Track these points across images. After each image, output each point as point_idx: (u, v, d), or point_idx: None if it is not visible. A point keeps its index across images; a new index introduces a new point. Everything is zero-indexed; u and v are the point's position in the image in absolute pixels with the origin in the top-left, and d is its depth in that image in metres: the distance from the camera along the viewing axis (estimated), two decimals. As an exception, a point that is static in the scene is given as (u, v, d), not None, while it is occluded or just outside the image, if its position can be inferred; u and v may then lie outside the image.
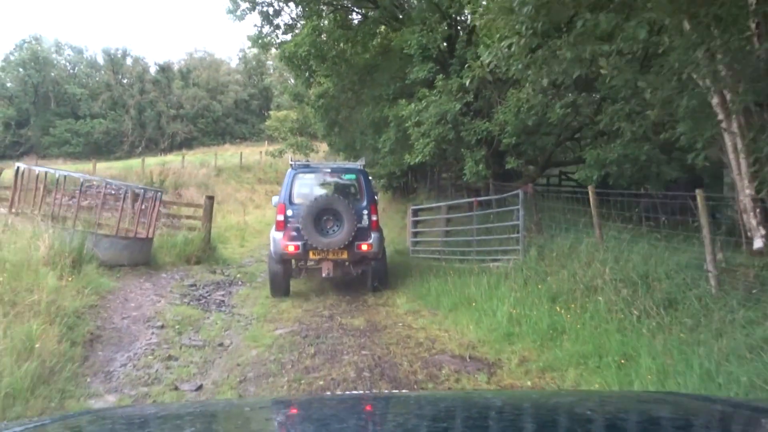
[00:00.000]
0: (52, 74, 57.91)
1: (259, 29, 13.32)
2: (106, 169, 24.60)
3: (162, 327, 7.17)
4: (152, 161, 30.45)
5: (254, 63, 61.35)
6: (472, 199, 11.33)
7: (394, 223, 18.94)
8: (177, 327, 7.23)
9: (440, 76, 9.76)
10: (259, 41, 13.14)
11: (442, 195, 18.65)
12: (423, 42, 9.85)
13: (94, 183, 13.64)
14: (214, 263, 12.68)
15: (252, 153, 36.38)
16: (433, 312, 8.02)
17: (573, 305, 7.02)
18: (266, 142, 46.86)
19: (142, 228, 11.61)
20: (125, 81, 58.80)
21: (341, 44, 11.98)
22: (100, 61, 61.29)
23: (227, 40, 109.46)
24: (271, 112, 53.55)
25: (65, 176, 12.38)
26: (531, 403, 1.75)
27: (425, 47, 9.98)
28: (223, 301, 9.02)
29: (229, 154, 35.52)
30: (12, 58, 57.20)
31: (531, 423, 1.46)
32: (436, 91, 9.58)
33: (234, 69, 61.58)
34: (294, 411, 1.72)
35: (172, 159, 32.44)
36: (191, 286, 10.02)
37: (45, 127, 56.27)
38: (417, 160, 10.06)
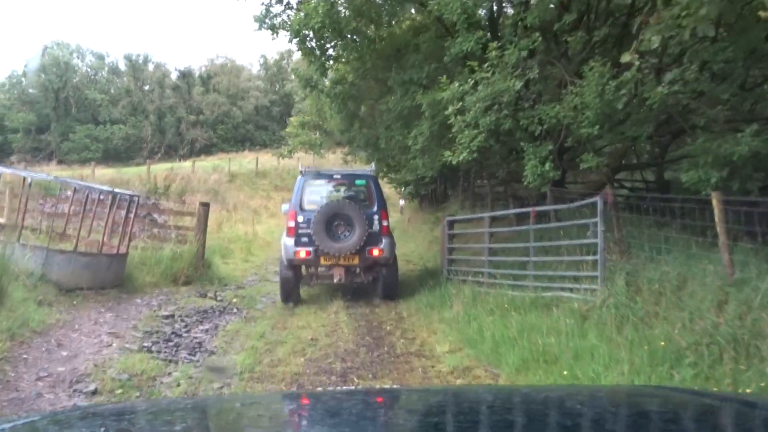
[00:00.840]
0: (74, 80, 56.71)
1: (266, 7, 11.00)
2: (105, 174, 22.51)
3: (94, 393, 4.77)
4: (164, 167, 28.40)
5: (275, 69, 59.55)
6: (528, 209, 8.80)
7: (422, 236, 16.45)
8: (118, 393, 4.83)
9: (494, 44, 7.25)
10: (266, 21, 10.78)
11: (478, 204, 16.14)
12: (469, 4, 7.39)
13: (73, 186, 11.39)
14: (207, 283, 10.32)
15: (270, 159, 34.22)
16: (492, 372, 5.48)
17: (716, 371, 4.50)
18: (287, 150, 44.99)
19: (122, 241, 9.32)
20: (146, 87, 57.34)
21: (362, 18, 9.53)
22: (122, 67, 60.07)
23: (249, 47, 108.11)
24: (291, 119, 51.68)
25: (31, 179, 10.13)
26: (521, 397, 1.76)
27: (471, 10, 7.51)
28: (200, 343, 6.59)
29: (246, 161, 33.38)
30: (34, 63, 56.14)
31: (522, 417, 1.46)
32: (488, 65, 7.12)
33: (255, 75, 59.81)
34: (286, 406, 1.71)
35: (187, 165, 30.44)
36: (167, 318, 7.62)
37: (65, 132, 55.00)
38: (462, 158, 7.56)
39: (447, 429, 1.34)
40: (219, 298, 9.46)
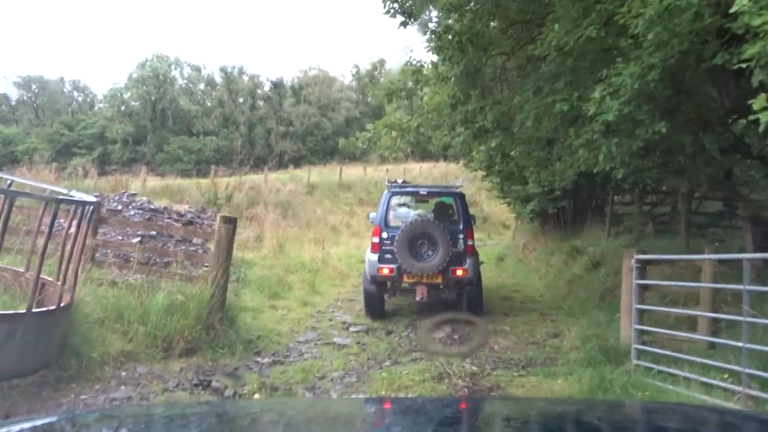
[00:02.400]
0: (171, 92, 56.08)
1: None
2: (160, 183, 19.21)
3: None
4: (245, 179, 25.04)
5: (367, 80, 56.16)
6: None
7: (552, 273, 11.56)
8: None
9: None
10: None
11: (631, 230, 11.10)
12: None
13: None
14: (223, 351, 6.05)
15: (356, 170, 30.28)
16: None
17: None
18: (376, 163, 41.18)
19: (62, 283, 5.20)
20: (240, 100, 55.72)
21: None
22: (218, 79, 59.00)
23: (342, 57, 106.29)
24: (377, 122, 47.94)
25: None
26: (538, 411, 1.71)
27: None
28: None
29: (327, 171, 29.61)
30: (134, 76, 56.03)
31: (537, 430, 1.43)
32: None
33: (347, 86, 56.70)
34: (300, 412, 1.66)
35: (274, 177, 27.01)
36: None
37: (160, 143, 54.28)
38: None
39: None
40: (229, 390, 5.14)
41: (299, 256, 12.49)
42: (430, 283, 8.37)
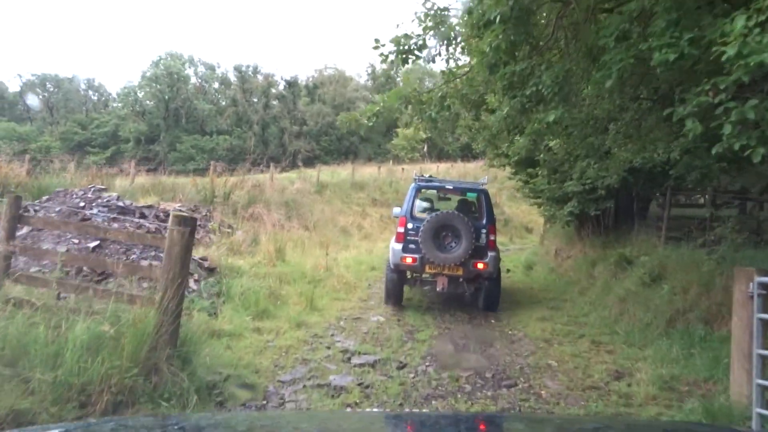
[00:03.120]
0: (185, 90, 54.80)
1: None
2: (152, 179, 17.52)
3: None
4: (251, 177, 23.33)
5: (383, 79, 54.44)
6: None
7: (595, 288, 9.62)
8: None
9: None
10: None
11: (690, 237, 9.14)
12: None
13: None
14: (173, 402, 4.27)
15: (370, 169, 28.52)
16: None
17: None
18: (391, 162, 39.43)
19: None
20: (254, 99, 54.24)
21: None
22: (232, 78, 57.68)
23: (358, 56, 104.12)
24: (399, 130, 46.11)
25: None
26: (554, 427, 1.72)
27: None
28: None
29: (340, 170, 27.86)
30: (148, 74, 54.86)
31: None
32: None
33: (362, 85, 54.96)
34: (309, 426, 1.62)
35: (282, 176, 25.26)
36: None
37: (173, 143, 53.01)
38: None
39: None
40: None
41: (300, 263, 10.70)
42: (450, 274, 8.45)
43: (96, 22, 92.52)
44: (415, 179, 9.31)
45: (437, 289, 8.60)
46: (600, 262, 10.14)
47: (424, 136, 45.06)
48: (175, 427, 1.49)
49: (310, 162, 49.48)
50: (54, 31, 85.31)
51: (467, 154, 44.41)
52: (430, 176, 10.83)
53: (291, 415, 2.83)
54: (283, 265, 10.31)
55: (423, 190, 9.41)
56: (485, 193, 9.06)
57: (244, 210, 15.02)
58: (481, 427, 1.75)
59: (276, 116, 51.36)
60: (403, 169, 30.09)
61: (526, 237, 24.77)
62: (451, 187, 9.62)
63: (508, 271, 13.64)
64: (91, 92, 65.67)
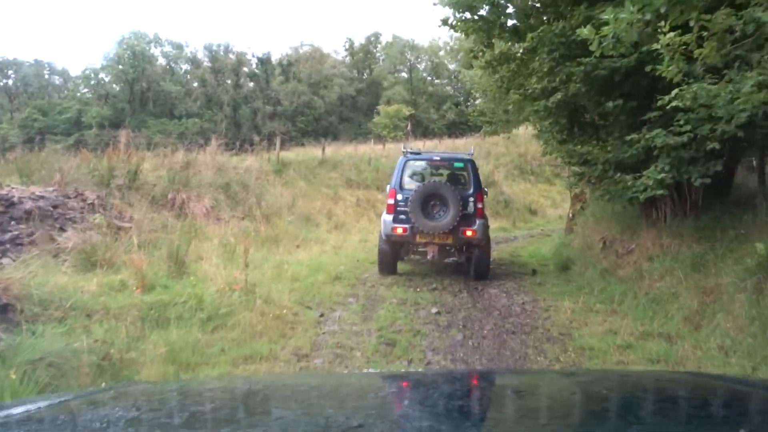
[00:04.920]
0: (150, 71, 49.55)
1: None
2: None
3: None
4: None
5: (362, 54, 49.58)
6: None
7: (716, 301, 5.18)
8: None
9: None
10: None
11: None
12: None
13: None
14: None
15: (345, 146, 23.97)
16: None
17: None
18: (372, 141, 34.90)
19: None
20: (222, 76, 49.12)
21: None
22: (203, 58, 52.41)
23: (335, 32, 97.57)
24: (380, 107, 41.44)
25: None
26: (548, 381, 1.70)
27: None
28: None
29: (310, 149, 23.26)
30: (110, 54, 49.52)
31: (547, 401, 1.40)
32: None
33: (339, 61, 50.01)
34: (314, 387, 1.58)
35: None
36: None
37: (138, 127, 47.83)
38: None
39: (472, 411, 1.28)
40: None
41: (207, 278, 6.16)
42: (440, 243, 8.42)
43: (57, 4, 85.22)
44: (404, 152, 9.26)
45: (428, 257, 8.60)
46: (714, 264, 5.74)
47: (407, 113, 40.58)
48: (174, 393, 1.49)
49: (285, 144, 44.75)
50: (12, 13, 77.88)
51: (454, 131, 40.19)
52: (419, 150, 10.51)
53: (288, 376, 2.95)
54: (174, 284, 5.77)
55: (411, 162, 9.16)
56: (471, 162, 9.06)
57: (164, 197, 10.48)
58: (474, 381, 1.72)
59: (248, 96, 46.39)
60: (384, 146, 25.64)
61: (531, 220, 20.42)
62: (438, 159, 9.62)
63: (534, 272, 9.22)
64: (56, 77, 60.05)
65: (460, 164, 9.23)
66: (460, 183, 8.99)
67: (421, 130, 41.96)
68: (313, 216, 14.14)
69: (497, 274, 9.19)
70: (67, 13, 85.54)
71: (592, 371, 3.09)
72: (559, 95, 7.06)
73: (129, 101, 49.12)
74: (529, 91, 7.96)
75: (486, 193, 9.61)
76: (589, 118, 8.14)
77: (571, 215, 11.45)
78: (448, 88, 50.47)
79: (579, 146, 7.73)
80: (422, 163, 9.41)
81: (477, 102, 15.99)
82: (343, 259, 9.89)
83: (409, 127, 41.23)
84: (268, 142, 47.29)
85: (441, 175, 9.39)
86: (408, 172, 8.96)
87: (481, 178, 9.49)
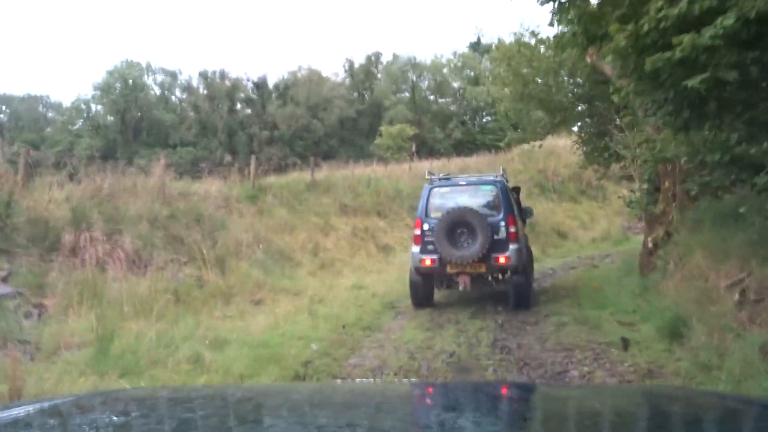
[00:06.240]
0: (143, 100, 46.86)
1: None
2: None
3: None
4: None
5: (362, 75, 46.62)
6: None
7: None
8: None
9: None
10: None
11: None
12: None
13: None
14: None
15: (342, 170, 20.63)
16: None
17: None
18: (374, 163, 31.60)
19: None
20: (217, 102, 46.27)
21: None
22: (196, 84, 49.67)
23: (333, 57, 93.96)
24: (382, 128, 38.21)
25: None
26: (540, 395, 1.66)
27: None
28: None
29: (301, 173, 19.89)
30: (101, 84, 46.92)
31: (539, 414, 1.37)
32: None
33: (339, 83, 47.02)
34: (305, 397, 1.55)
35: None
36: None
37: (130, 158, 44.95)
38: None
39: (460, 423, 1.22)
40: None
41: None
42: (473, 272, 7.88)
43: (50, 38, 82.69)
44: (429, 179, 8.87)
45: (460, 289, 8.02)
46: None
47: (411, 132, 37.35)
48: (165, 399, 1.47)
49: (283, 169, 41.60)
50: (3, 47, 74.73)
51: (461, 150, 36.88)
52: (447, 174, 9.90)
53: (281, 387, 2.76)
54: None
55: (436, 189, 8.54)
56: (501, 183, 8.51)
57: (58, 240, 7.09)
58: (467, 393, 1.68)
59: (244, 122, 43.44)
60: (386, 166, 22.31)
61: (561, 245, 16.85)
62: (464, 183, 9.05)
63: (626, 344, 5.57)
64: (46, 110, 57.62)
65: (489, 187, 8.59)
66: (489, 207, 8.32)
67: (426, 150, 38.70)
68: (294, 253, 10.64)
69: (563, 346, 5.61)
70: (60, 45, 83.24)
71: (583, 387, 2.86)
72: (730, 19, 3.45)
73: (121, 131, 46.36)
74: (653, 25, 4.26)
75: (530, 214, 9.52)
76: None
77: (651, 244, 7.83)
78: (453, 107, 47.35)
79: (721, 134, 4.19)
80: (448, 189, 8.72)
81: (502, 103, 12.42)
82: (321, 326, 6.35)
83: (413, 148, 37.98)
84: (267, 168, 43.77)
85: (467, 199, 8.43)
86: (433, 199, 8.43)
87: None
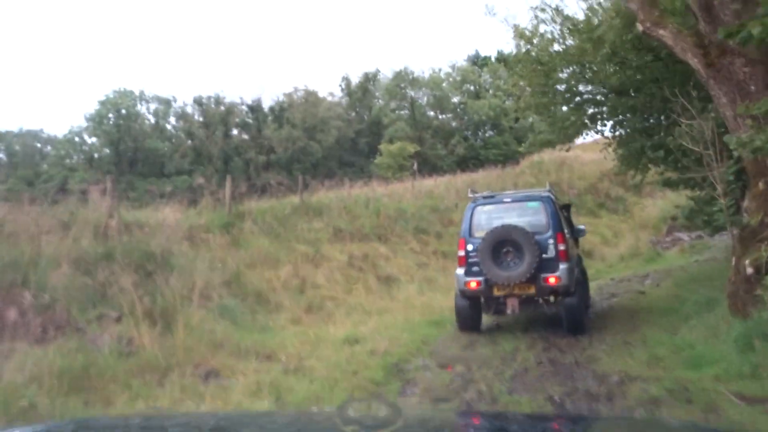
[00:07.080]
0: (136, 130, 45.20)
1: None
2: None
3: None
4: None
5: (360, 93, 44.84)
6: None
7: None
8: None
9: None
10: None
11: None
12: None
13: None
14: None
15: (335, 189, 18.52)
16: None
17: None
18: (374, 183, 29.52)
19: None
20: (212, 128, 44.53)
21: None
22: (191, 111, 48.01)
23: (329, 76, 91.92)
24: (382, 146, 36.24)
25: None
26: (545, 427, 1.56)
27: None
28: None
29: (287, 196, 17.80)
30: (93, 115, 45.36)
31: None
32: None
33: (336, 103, 45.22)
34: (283, 425, 1.50)
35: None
36: None
37: (125, 189, 43.15)
38: None
39: None
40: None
41: None
42: (521, 294, 7.41)
43: (39, 69, 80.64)
44: (472, 197, 8.37)
45: (507, 312, 7.53)
46: None
47: (412, 150, 35.33)
48: (138, 428, 1.40)
49: (281, 194, 39.60)
50: None
51: (465, 166, 34.80)
52: (491, 193, 9.16)
53: (257, 414, 2.66)
54: None
55: (480, 207, 8.06)
56: (548, 199, 7.88)
57: None
58: (555, 426, 1.54)
59: (239, 147, 41.61)
60: (387, 186, 20.24)
61: (590, 265, 14.51)
62: (509, 200, 8.42)
63: None
64: (48, 146, 56.08)
65: (535, 203, 8.04)
66: (537, 224, 7.71)
67: (429, 167, 36.62)
68: (273, 293, 8.46)
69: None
70: (51, 76, 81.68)
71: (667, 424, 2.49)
72: None
73: (115, 163, 44.58)
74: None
75: (582, 233, 9.10)
76: None
77: (750, 269, 5.59)
78: (454, 123, 45.44)
79: None
80: (492, 207, 8.22)
81: (520, 99, 10.19)
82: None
83: (415, 166, 35.92)
84: (261, 193, 41.63)
85: (512, 217, 7.83)
86: (477, 218, 8.02)
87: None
